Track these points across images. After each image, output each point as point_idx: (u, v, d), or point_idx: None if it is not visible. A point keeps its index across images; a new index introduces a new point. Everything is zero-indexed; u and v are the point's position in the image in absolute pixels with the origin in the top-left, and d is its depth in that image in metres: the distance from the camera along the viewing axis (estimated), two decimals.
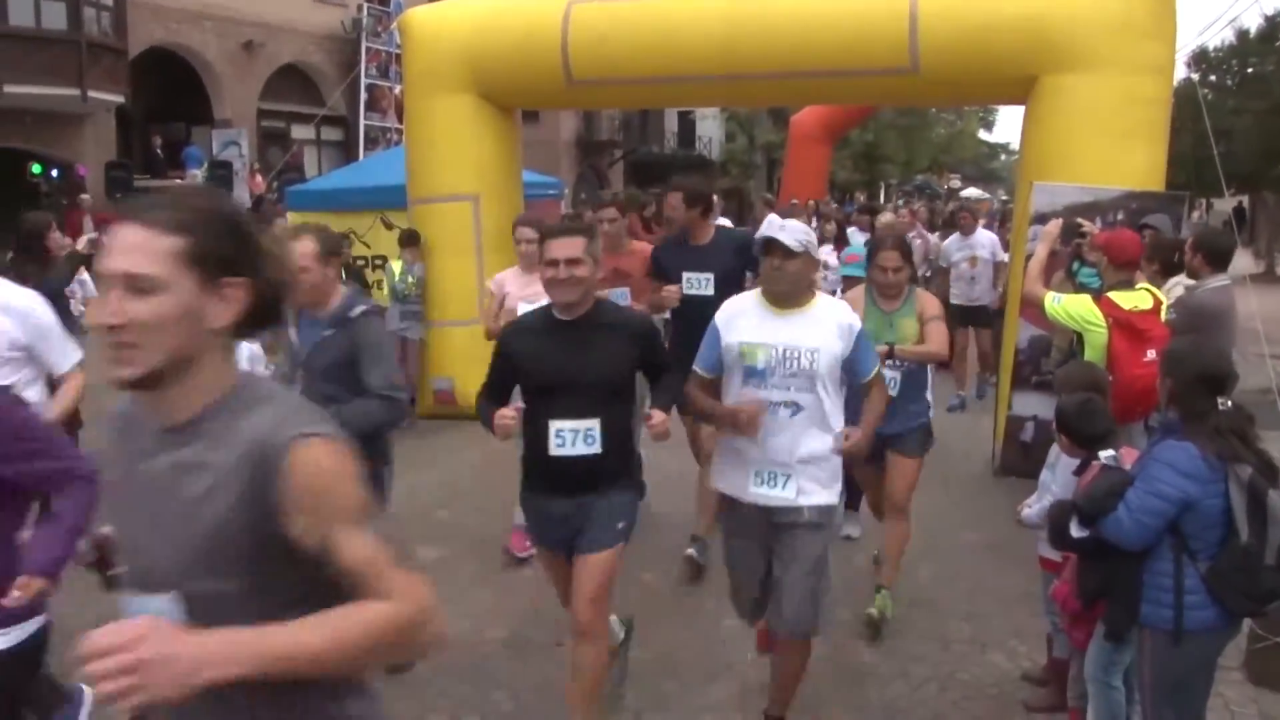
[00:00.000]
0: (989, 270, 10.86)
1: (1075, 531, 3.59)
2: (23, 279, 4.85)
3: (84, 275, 7.87)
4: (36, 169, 20.32)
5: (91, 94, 21.52)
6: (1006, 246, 10.53)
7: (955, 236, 11.49)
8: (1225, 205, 29.66)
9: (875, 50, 8.16)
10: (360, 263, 11.09)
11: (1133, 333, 5.25)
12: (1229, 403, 3.44)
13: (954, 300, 10.74)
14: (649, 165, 41.74)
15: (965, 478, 8.02)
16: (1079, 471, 3.95)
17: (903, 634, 5.33)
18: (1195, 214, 27.16)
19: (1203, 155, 11.86)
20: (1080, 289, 6.40)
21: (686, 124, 43.38)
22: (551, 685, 4.78)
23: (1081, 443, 3.96)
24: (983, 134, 60.75)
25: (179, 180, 23.64)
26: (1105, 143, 7.46)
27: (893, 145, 44.15)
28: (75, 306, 7.64)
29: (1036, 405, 7.39)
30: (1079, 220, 6.84)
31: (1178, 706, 3.50)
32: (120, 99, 22.78)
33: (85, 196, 19.98)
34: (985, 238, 11.18)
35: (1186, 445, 3.37)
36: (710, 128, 44.15)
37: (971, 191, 48.97)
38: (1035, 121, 8.01)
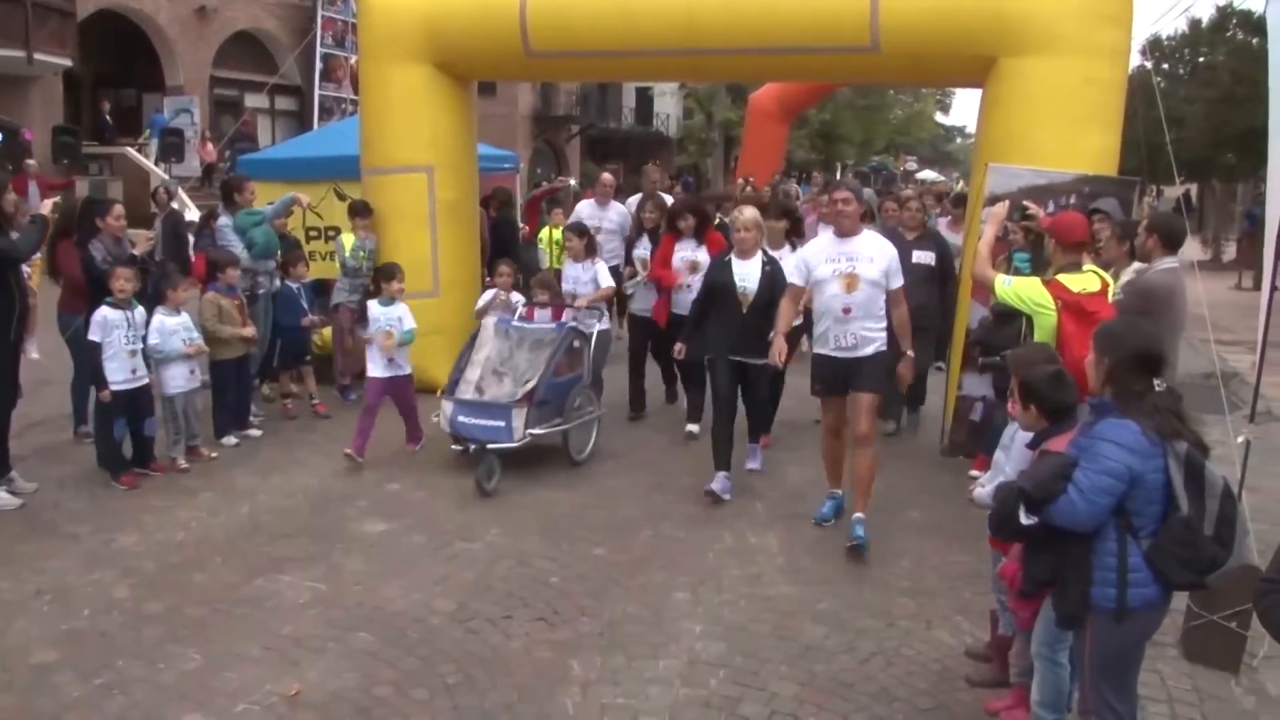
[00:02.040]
0: (877, 300, 6.19)
1: (1024, 519, 3.58)
2: None
3: None
4: None
5: (38, 56, 20.96)
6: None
7: (827, 236, 6.53)
8: (1176, 192, 30.06)
9: (836, 28, 8.17)
10: (313, 234, 10.95)
11: (1081, 314, 5.30)
12: (1163, 384, 3.48)
13: (818, 349, 6.41)
14: (606, 141, 41.72)
15: (913, 456, 8.09)
16: (1034, 445, 3.95)
17: (849, 610, 5.38)
18: (1147, 200, 27.50)
19: (1155, 141, 11.95)
20: (1015, 273, 6.48)
21: (645, 100, 43.34)
22: (499, 658, 4.79)
23: (1051, 414, 3.92)
24: (939, 117, 61.22)
25: (130, 146, 23.28)
26: (1061, 126, 7.52)
27: (850, 125, 44.36)
28: (24, 267, 7.52)
29: (986, 386, 7.45)
30: (1025, 203, 6.92)
31: (1114, 681, 3.55)
32: (68, 62, 22.24)
33: (31, 161, 19.58)
34: (874, 245, 6.27)
35: (1126, 423, 3.40)
36: (668, 104, 44.13)
37: (927, 174, 49.50)
38: (993, 103, 8.05)
